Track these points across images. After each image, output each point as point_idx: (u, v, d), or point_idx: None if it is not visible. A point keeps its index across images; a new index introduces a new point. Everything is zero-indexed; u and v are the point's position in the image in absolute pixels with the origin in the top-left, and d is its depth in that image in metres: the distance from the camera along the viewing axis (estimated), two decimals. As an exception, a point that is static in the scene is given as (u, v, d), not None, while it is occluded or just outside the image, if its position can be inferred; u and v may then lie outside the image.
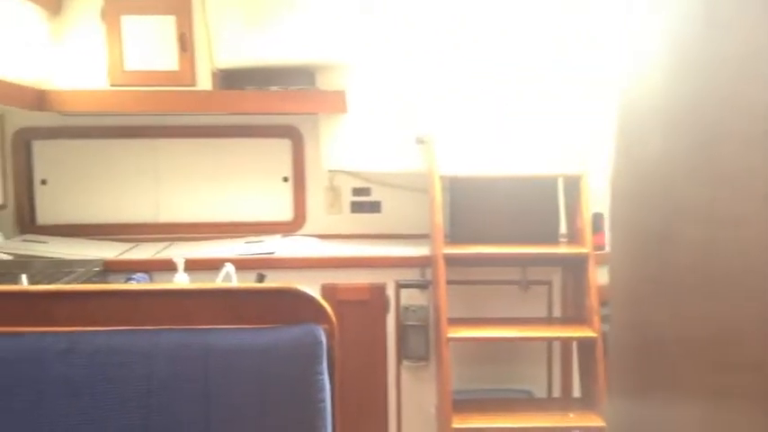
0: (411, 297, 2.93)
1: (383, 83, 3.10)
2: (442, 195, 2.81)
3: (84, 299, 1.61)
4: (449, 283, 2.72)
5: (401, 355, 2.96)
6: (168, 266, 2.77)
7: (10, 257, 2.88)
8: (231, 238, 3.30)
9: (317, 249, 3.11)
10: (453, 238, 2.93)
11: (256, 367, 1.52)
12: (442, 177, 2.83)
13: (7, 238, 3.15)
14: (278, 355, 1.53)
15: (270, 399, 1.51)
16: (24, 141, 3.31)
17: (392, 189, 3.38)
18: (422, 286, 2.91)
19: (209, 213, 3.40)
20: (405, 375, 2.98)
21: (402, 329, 2.93)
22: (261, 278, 2.39)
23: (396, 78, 3.09)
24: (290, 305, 1.66)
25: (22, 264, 2.80)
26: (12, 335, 1.53)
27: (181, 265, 2.30)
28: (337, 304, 2.89)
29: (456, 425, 2.59)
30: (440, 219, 2.77)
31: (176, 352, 1.52)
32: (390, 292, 2.94)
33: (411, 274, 2.94)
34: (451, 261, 2.74)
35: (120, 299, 1.63)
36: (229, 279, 2.20)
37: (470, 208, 2.96)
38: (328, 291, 2.88)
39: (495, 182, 2.91)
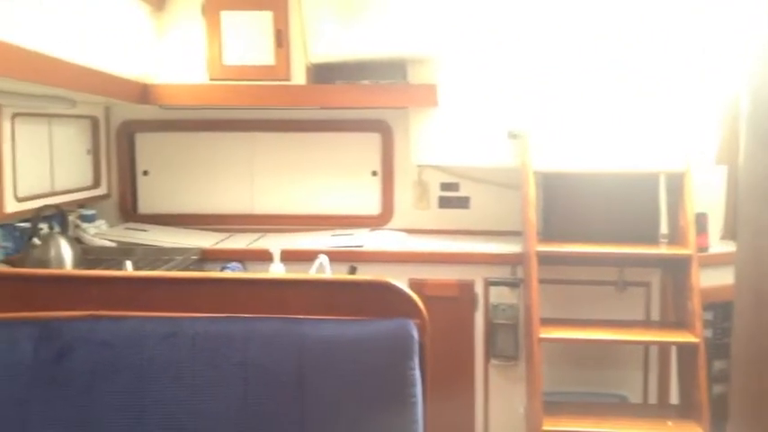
0: (501, 295, 2.88)
1: (475, 76, 3.05)
2: (535, 191, 2.74)
3: (184, 286, 1.66)
4: (541, 281, 2.65)
5: (489, 353, 2.91)
6: (261, 256, 2.83)
7: (114, 244, 3.02)
8: (320, 230, 3.34)
9: (405, 244, 3.11)
10: (546, 235, 2.86)
11: (350, 358, 1.52)
12: (535, 173, 2.76)
13: (111, 225, 3.30)
14: (371, 347, 1.53)
15: (362, 391, 1.50)
16: (128, 134, 3.45)
17: (481, 184, 3.33)
18: (512, 284, 2.85)
19: (299, 206, 3.45)
20: (493, 374, 2.94)
21: (491, 328, 2.89)
22: (353, 270, 2.41)
23: (488, 71, 3.04)
24: (383, 299, 1.65)
25: (125, 250, 2.93)
26: (116, 318, 1.59)
27: (277, 256, 2.34)
28: (424, 300, 2.86)
29: (547, 427, 2.53)
30: (533, 215, 2.70)
31: (272, 340, 1.54)
32: (479, 289, 2.89)
33: (501, 272, 2.89)
34: (544, 259, 2.67)
35: (219, 287, 1.66)
36: (323, 270, 2.22)
37: (565, 205, 2.87)
38: (416, 286, 2.87)
39: (591, 178, 2.82)
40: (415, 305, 1.64)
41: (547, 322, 2.65)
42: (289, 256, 2.55)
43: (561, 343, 2.79)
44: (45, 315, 1.59)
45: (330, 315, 1.62)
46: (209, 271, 2.76)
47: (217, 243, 3.10)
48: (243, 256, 2.93)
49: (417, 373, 1.56)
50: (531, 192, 2.73)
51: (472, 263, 2.89)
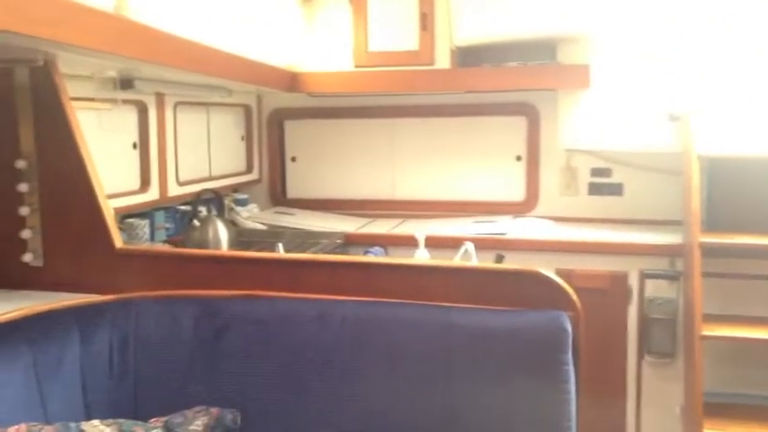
0: (657, 288, 2.69)
1: (630, 55, 2.87)
2: (699, 178, 2.54)
3: (334, 269, 1.68)
4: (703, 275, 2.45)
5: (643, 349, 2.74)
6: (403, 242, 2.84)
7: (264, 227, 3.14)
8: (461, 216, 3.30)
9: (551, 232, 2.99)
10: (710, 225, 2.64)
11: (500, 349, 1.47)
12: (699, 157, 2.55)
13: (261, 209, 3.44)
14: (522, 339, 1.47)
15: (513, 384, 1.45)
16: (278, 121, 3.57)
17: (636, 170, 3.13)
18: (671, 277, 2.66)
19: (440, 191, 3.42)
20: (646, 371, 2.76)
21: (645, 322, 2.72)
22: (500, 259, 2.34)
23: (644, 50, 2.84)
24: (532, 289, 1.59)
25: (275, 233, 3.04)
26: (269, 299, 1.64)
27: (422, 242, 2.32)
28: (573, 291, 2.77)
29: (707, 431, 2.34)
30: (696, 204, 2.50)
31: (419, 326, 1.52)
32: (633, 281, 2.73)
33: (657, 264, 2.71)
34: (707, 251, 2.46)
35: (368, 271, 1.67)
36: (468, 258, 2.18)
37: (732, 193, 2.64)
38: (563, 276, 2.68)
39: (761, 163, 2.57)
40: (569, 297, 1.57)
41: (709, 319, 2.45)
42: (432, 243, 2.52)
43: (726, 342, 2.57)
44: (205, 293, 1.67)
45: (475, 304, 1.58)
46: (353, 255, 2.80)
47: (360, 228, 3.14)
48: (385, 241, 2.95)
49: (571, 368, 1.49)
50: (695, 178, 2.52)
51: (626, 253, 2.73)
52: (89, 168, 1.77)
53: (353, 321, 1.55)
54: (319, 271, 1.68)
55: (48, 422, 1.34)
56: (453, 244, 2.49)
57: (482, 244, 2.70)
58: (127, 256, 1.77)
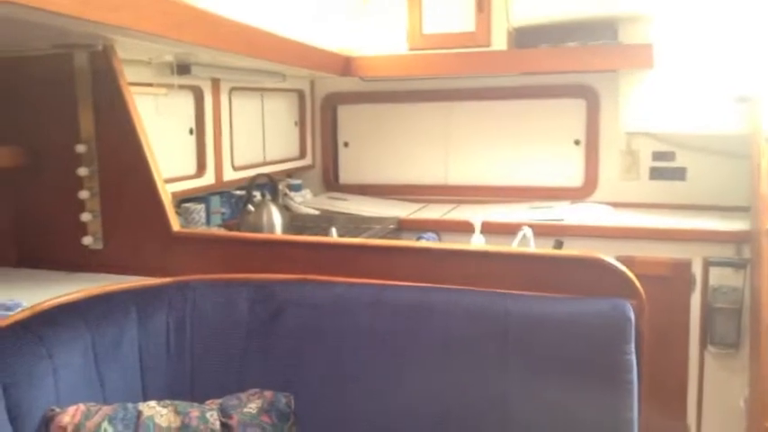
0: (722, 276, 2.59)
1: (695, 34, 2.74)
2: (768, 161, 2.42)
3: (388, 253, 1.66)
4: (773, 263, 2.34)
5: (706, 340, 2.64)
6: (456, 227, 2.80)
7: (317, 212, 3.14)
8: (516, 202, 3.23)
9: (611, 218, 2.90)
10: (780, 211, 2.52)
11: (559, 338, 1.43)
12: (768, 140, 2.44)
13: (315, 195, 3.44)
14: (582, 328, 1.42)
15: (571, 373, 1.41)
16: (331, 106, 3.56)
17: (701, 153, 3.01)
18: (737, 265, 2.55)
19: (494, 177, 3.36)
20: (709, 362, 2.67)
21: (709, 312, 2.62)
22: (558, 245, 2.28)
23: (710, 28, 2.72)
24: (594, 276, 1.54)
25: (328, 218, 3.04)
26: (323, 283, 1.63)
27: (478, 227, 2.28)
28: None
29: (775, 426, 2.25)
30: (765, 188, 2.38)
31: (474, 313, 1.49)
32: (697, 269, 2.63)
33: (723, 251, 2.60)
34: (778, 238, 2.35)
35: (423, 256, 1.64)
36: (526, 243, 2.13)
37: (804, 177, 2.50)
38: (623, 263, 2.65)
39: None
40: (632, 284, 1.51)
41: (778, 309, 2.34)
42: (487, 229, 2.48)
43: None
44: (260, 277, 1.67)
45: (534, 291, 1.54)
46: (406, 240, 2.78)
47: (412, 213, 3.11)
48: (438, 227, 2.91)
49: (634, 358, 1.43)
50: (764, 162, 2.41)
51: (689, 240, 2.63)
52: (147, 153, 1.79)
53: (408, 308, 1.52)
54: (374, 256, 1.66)
55: (106, 402, 1.36)
56: (509, 230, 2.44)
57: (538, 230, 2.64)
58: (184, 239, 1.79)
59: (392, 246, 1.71)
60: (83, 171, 1.81)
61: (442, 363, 1.48)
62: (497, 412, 1.43)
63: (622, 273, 1.52)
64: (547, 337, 1.43)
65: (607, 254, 2.62)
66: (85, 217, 1.82)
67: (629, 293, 1.51)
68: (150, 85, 2.19)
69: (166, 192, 1.83)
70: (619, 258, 2.64)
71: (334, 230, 2.41)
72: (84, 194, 1.81)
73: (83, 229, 1.83)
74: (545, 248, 2.01)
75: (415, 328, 1.51)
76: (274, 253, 1.73)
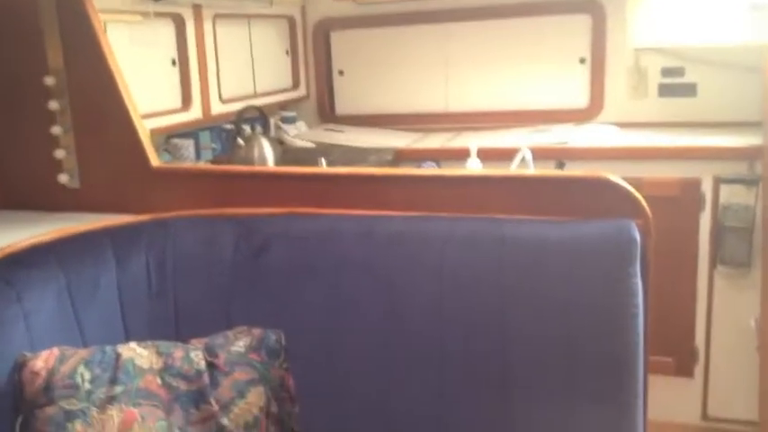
0: (733, 194, 2.49)
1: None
2: (782, 72, 2.29)
3: (379, 183, 1.57)
4: (786, 179, 2.24)
5: (716, 259, 2.57)
6: (456, 155, 2.69)
7: (312, 146, 3.04)
8: (519, 127, 3.11)
9: (617, 139, 2.79)
10: (795, 124, 2.40)
11: (559, 263, 1.35)
12: (784, 49, 2.29)
13: (309, 127, 3.33)
14: (585, 252, 1.34)
15: (573, 299, 1.33)
16: (324, 32, 3.41)
17: (711, 68, 2.87)
18: (749, 182, 2.45)
19: (496, 101, 3.22)
20: (718, 282, 2.60)
21: (719, 231, 2.53)
22: (560, 167, 2.18)
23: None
24: (597, 197, 1.45)
25: (323, 151, 2.93)
26: (312, 216, 1.55)
27: (473, 152, 2.17)
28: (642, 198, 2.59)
29: (787, 346, 2.19)
30: (779, 100, 2.26)
31: (470, 241, 1.41)
32: (706, 187, 2.52)
33: (734, 168, 2.49)
34: (792, 152, 2.24)
35: (415, 184, 1.56)
36: (525, 167, 2.02)
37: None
38: (631, 185, 2.57)
39: None
40: (638, 204, 1.42)
41: (792, 226, 2.26)
42: (487, 155, 2.37)
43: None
44: (244, 212, 1.59)
45: (534, 215, 1.45)
46: (397, 168, 2.68)
47: (411, 143, 3.00)
48: (437, 156, 2.81)
49: (639, 281, 1.35)
50: (778, 72, 2.28)
51: (699, 158, 2.52)
52: (120, 84, 1.68)
53: (400, 238, 1.44)
54: (364, 185, 1.57)
55: (86, 346, 1.31)
56: (510, 155, 2.34)
57: (542, 154, 2.54)
58: (164, 174, 1.70)
59: (382, 174, 1.62)
60: (53, 105, 1.71)
61: (437, 295, 1.41)
62: (494, 341, 1.36)
63: (627, 192, 1.43)
64: (547, 263, 1.35)
65: (614, 175, 2.55)
66: (59, 154, 1.73)
67: (634, 214, 1.42)
68: (122, 12, 2.06)
69: (143, 126, 1.73)
70: (626, 180, 2.57)
71: (323, 161, 2.32)
72: (56, 130, 1.72)
73: (58, 166, 1.74)
74: (545, 170, 1.91)
75: (408, 258, 1.43)
76: (259, 186, 1.65)
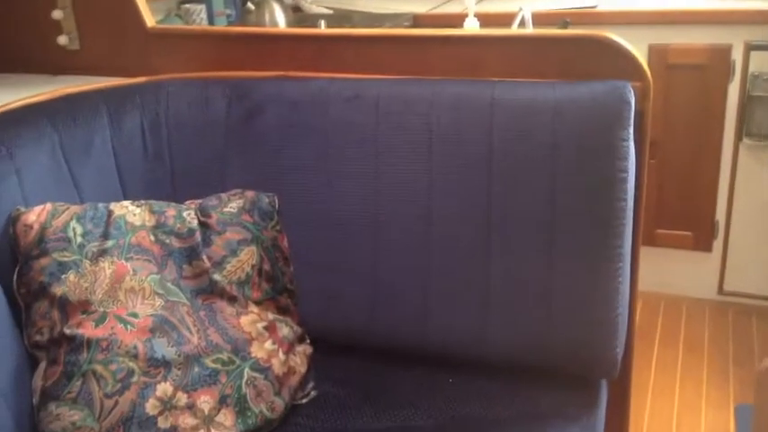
0: (764, 62, 2.36)
1: None
2: None
3: (371, 44, 1.53)
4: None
5: (742, 131, 2.47)
6: (493, 21, 2.55)
7: (330, 12, 2.95)
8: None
9: (647, 2, 2.63)
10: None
11: (546, 125, 1.32)
12: None
13: (330, -9, 3.21)
14: (574, 113, 1.30)
15: (559, 161, 1.31)
16: None
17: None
18: (781, 48, 2.32)
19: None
20: (743, 155, 2.52)
21: (747, 101, 2.42)
22: (564, 25, 2.07)
23: None
24: (596, 57, 1.39)
25: (341, 17, 2.85)
26: (303, 79, 1.53)
27: (471, 10, 2.06)
28: (666, 69, 2.48)
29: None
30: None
31: (459, 104, 1.38)
32: (737, 55, 2.39)
33: (766, 34, 2.34)
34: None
35: (407, 44, 1.51)
36: (525, 27, 1.93)
37: None
38: (657, 52, 2.46)
39: None
40: (637, 64, 1.36)
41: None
42: (494, 20, 2.25)
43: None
44: (238, 74, 1.58)
45: (530, 78, 1.40)
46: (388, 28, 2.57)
47: (433, 8, 2.88)
48: (459, 22, 2.70)
49: (631, 144, 1.32)
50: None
51: (731, 22, 2.37)
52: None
53: (388, 101, 1.42)
54: (356, 47, 1.53)
55: (82, 203, 1.35)
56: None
57: (563, 18, 2.42)
58: (160, 36, 1.68)
59: (375, 35, 1.57)
60: (49, -36, 1.68)
61: (425, 158, 1.40)
62: (479, 208, 1.36)
63: (626, 52, 1.37)
64: (535, 125, 1.32)
65: (639, 42, 2.43)
66: (57, 14, 1.71)
67: (633, 75, 1.36)
68: None
69: (139, -14, 1.70)
70: (652, 47, 2.46)
71: (322, 23, 2.26)
72: (53, -13, 1.70)
73: (57, 27, 1.74)
74: (540, 29, 1.81)
75: (396, 122, 1.41)
76: (255, 49, 1.62)
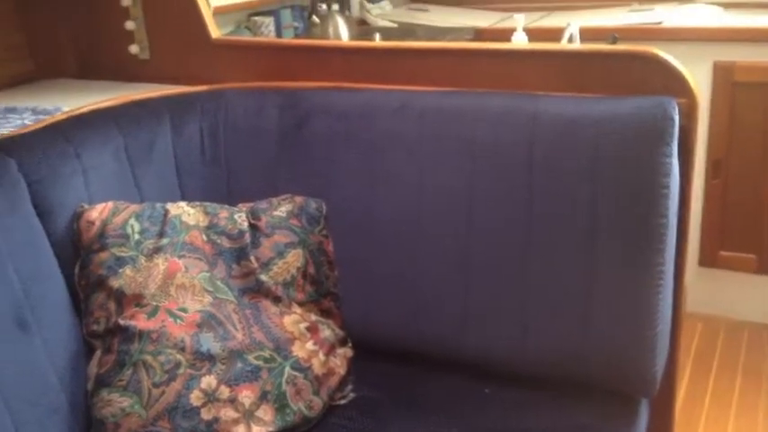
0: (835, 81, 2.28)
1: None
2: None
3: (419, 56, 1.57)
4: None
5: (810, 152, 2.39)
6: (541, 36, 2.58)
7: (394, 25, 3.01)
8: (615, 6, 2.93)
9: (718, 19, 2.58)
10: None
11: (589, 140, 1.32)
12: None
13: (395, 6, 3.28)
14: (617, 128, 1.30)
15: (601, 176, 1.31)
16: None
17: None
18: None
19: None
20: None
21: (816, 122, 2.34)
22: (613, 41, 2.05)
23: None
24: (641, 73, 1.39)
25: (405, 31, 2.90)
26: (352, 90, 1.58)
27: (520, 26, 2.08)
28: (732, 86, 2.42)
29: None
30: None
31: (502, 117, 1.40)
32: (806, 73, 2.32)
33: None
34: None
35: (455, 57, 1.54)
36: (573, 42, 1.93)
37: None
38: (722, 69, 2.40)
39: None
40: (682, 80, 1.35)
41: None
42: (540, 34, 2.24)
43: None
44: (291, 85, 1.65)
45: (574, 92, 1.41)
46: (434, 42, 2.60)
47: (495, 23, 2.91)
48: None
49: (674, 162, 1.31)
50: None
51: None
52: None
53: (434, 113, 1.46)
54: (404, 59, 1.58)
55: (142, 203, 1.44)
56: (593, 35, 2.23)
57: (631, 35, 2.41)
58: (223, 47, 1.77)
59: (422, 48, 1.61)
60: (122, -22, 1.80)
61: (467, 170, 1.43)
62: (520, 220, 1.38)
63: (672, 68, 1.36)
64: (577, 140, 1.33)
65: (705, 59, 2.39)
66: (130, 25, 1.83)
67: (679, 91, 1.35)
68: None
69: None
70: (717, 64, 2.41)
71: (377, 36, 2.31)
72: (126, 1, 1.82)
73: (129, 37, 1.86)
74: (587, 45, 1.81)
75: (439, 134, 1.45)
76: (310, 60, 1.69)
